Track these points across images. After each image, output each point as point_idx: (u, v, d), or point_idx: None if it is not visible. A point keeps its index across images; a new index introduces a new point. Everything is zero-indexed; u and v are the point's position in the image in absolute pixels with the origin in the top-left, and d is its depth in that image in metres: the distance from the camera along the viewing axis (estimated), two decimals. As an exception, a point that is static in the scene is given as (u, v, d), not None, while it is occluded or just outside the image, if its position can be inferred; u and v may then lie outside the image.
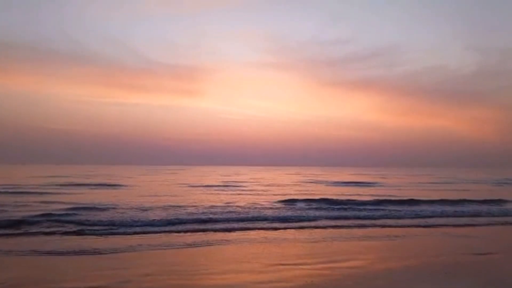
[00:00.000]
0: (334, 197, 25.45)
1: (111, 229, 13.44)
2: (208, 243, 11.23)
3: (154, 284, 7.06)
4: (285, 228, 14.36)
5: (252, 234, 13.00)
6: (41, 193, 26.72)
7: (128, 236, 12.44)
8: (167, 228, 13.80)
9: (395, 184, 47.72)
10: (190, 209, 18.46)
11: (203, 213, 17.43)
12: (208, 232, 13.32)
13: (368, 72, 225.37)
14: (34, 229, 13.11)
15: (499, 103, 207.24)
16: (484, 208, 21.71)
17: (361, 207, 21.04)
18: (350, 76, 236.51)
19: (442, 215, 18.90)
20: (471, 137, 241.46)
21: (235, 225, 14.77)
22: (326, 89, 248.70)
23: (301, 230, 14.09)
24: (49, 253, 9.71)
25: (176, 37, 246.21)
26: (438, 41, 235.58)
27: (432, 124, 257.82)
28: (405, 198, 24.72)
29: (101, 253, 9.75)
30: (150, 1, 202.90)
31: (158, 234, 12.72)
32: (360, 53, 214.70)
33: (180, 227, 14.03)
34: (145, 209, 18.34)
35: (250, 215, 17.11)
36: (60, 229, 13.23)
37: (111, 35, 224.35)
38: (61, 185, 36.06)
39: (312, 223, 15.71)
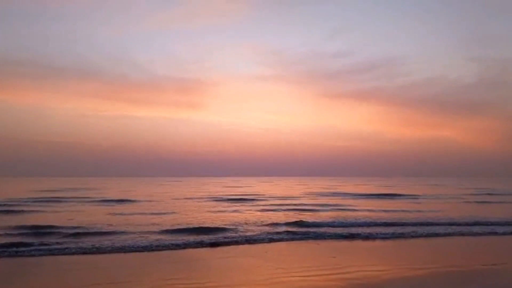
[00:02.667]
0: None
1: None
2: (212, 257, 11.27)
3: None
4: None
5: (255, 247, 12.92)
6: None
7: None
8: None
9: (440, 195, 42.04)
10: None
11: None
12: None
13: (368, 84, 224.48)
14: None
15: (500, 113, 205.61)
16: None
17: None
18: (351, 87, 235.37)
19: None
20: (472, 148, 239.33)
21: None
22: (327, 100, 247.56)
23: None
24: None
25: (180, 52, 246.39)
26: (438, 51, 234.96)
27: (433, 134, 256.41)
28: None
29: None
30: (154, 16, 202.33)
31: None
32: (361, 65, 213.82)
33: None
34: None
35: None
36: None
37: (115, 50, 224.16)
38: (46, 200, 31.84)
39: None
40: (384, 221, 19.13)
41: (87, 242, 12.96)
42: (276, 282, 7.99)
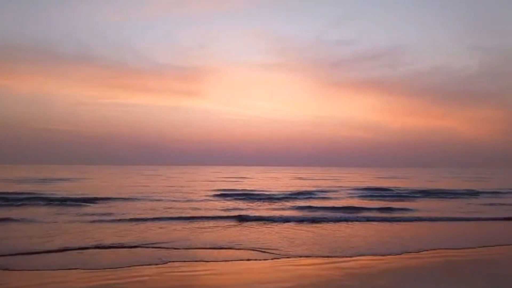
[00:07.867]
0: None
1: None
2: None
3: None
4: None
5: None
6: None
7: None
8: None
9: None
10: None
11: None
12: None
13: (372, 73, 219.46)
14: None
15: (504, 104, 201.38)
16: None
17: None
18: (354, 76, 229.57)
19: None
20: (475, 138, 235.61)
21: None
22: (330, 89, 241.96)
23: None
24: None
25: (180, 39, 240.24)
26: (442, 41, 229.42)
27: (436, 124, 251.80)
28: None
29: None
30: (154, 3, 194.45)
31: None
32: (364, 54, 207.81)
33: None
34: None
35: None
36: None
37: (115, 37, 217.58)
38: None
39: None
40: None
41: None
42: (271, 272, 7.95)
